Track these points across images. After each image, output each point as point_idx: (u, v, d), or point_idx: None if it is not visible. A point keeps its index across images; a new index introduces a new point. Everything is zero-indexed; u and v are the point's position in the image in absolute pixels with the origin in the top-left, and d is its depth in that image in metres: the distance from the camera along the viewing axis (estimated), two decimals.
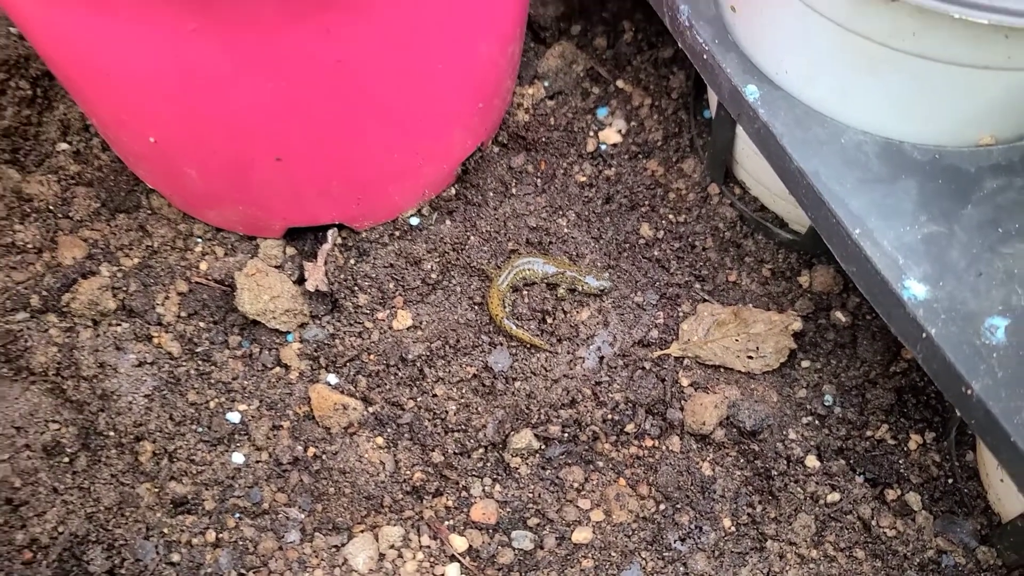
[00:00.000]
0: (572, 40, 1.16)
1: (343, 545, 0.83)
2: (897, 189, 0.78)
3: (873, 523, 0.84)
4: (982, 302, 0.72)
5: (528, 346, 0.93)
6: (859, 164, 0.79)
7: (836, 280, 0.97)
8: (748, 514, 0.85)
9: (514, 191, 1.04)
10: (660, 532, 0.84)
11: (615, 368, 0.93)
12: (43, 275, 0.94)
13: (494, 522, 0.85)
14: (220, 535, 0.84)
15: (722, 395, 0.91)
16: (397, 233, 1.00)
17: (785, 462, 0.87)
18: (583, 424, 0.89)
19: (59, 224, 0.97)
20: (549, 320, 0.96)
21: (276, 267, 0.96)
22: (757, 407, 0.89)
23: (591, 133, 1.09)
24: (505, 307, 0.94)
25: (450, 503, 0.86)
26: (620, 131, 1.10)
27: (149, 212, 0.99)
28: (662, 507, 0.86)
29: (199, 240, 0.98)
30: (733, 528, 0.85)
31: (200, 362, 0.92)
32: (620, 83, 1.13)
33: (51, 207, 0.98)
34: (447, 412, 0.90)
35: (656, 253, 1.00)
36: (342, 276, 0.96)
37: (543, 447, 0.89)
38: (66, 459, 0.86)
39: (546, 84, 1.11)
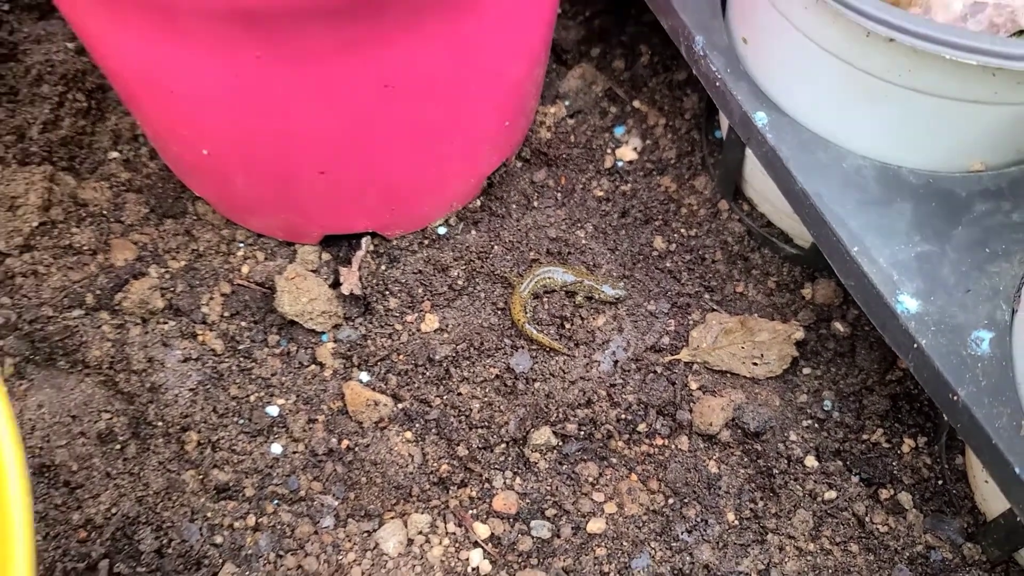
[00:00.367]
0: (592, 62, 1.22)
1: (374, 531, 0.88)
2: (893, 210, 0.83)
3: (867, 519, 0.89)
4: (969, 316, 0.77)
5: (547, 349, 0.98)
6: (858, 186, 0.84)
7: (837, 293, 1.02)
8: (750, 509, 0.90)
9: (536, 204, 1.09)
10: (668, 524, 0.89)
11: (628, 371, 0.97)
12: (97, 275, 1.00)
13: (515, 512, 0.89)
14: (259, 520, 0.89)
15: (728, 398, 0.95)
16: (426, 242, 1.05)
17: (786, 462, 0.92)
18: (598, 423, 0.94)
19: (111, 228, 1.03)
20: (567, 325, 1.00)
21: (313, 271, 1.01)
22: (761, 410, 0.94)
23: (608, 150, 1.15)
24: (526, 312, 0.99)
25: (474, 494, 0.91)
26: (636, 149, 1.15)
27: (195, 218, 1.05)
28: (671, 501, 0.90)
29: (241, 245, 1.04)
30: (736, 522, 0.89)
31: (241, 359, 0.97)
32: (637, 103, 1.19)
33: (104, 212, 1.04)
34: (471, 409, 0.95)
35: (668, 265, 1.06)
36: (374, 281, 1.02)
37: (561, 443, 0.93)
38: (118, 446, 0.91)
39: (567, 103, 1.17)
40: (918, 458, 0.93)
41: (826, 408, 0.96)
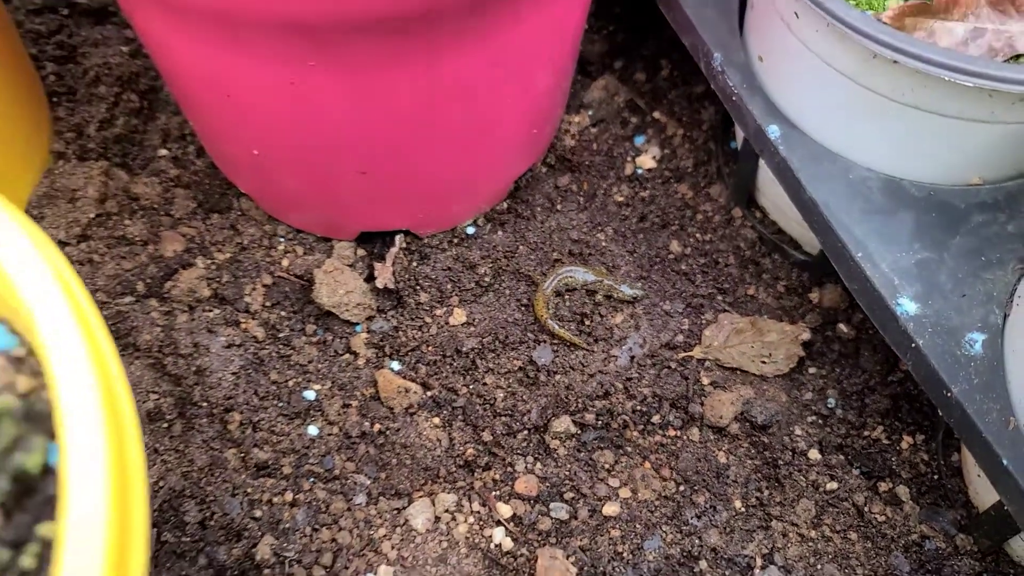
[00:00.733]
0: (615, 74, 1.27)
1: (404, 508, 0.93)
2: (895, 220, 0.87)
3: (866, 510, 0.93)
4: (964, 319, 0.82)
5: (568, 344, 1.03)
6: (864, 197, 0.89)
7: (843, 298, 1.07)
8: (756, 497, 0.94)
9: (559, 207, 1.15)
10: (679, 509, 0.93)
11: (644, 366, 1.02)
12: (147, 265, 1.05)
13: (535, 494, 0.94)
14: (296, 496, 0.93)
15: (738, 394, 1.00)
16: (455, 240, 1.11)
17: (791, 454, 0.97)
18: (615, 414, 0.99)
19: (161, 221, 1.09)
20: (587, 322, 1.06)
21: (349, 266, 1.07)
22: (768, 405, 0.99)
23: (629, 158, 1.20)
24: (549, 309, 1.04)
25: (497, 476, 0.96)
26: (655, 157, 1.21)
27: (239, 213, 1.11)
28: (682, 488, 0.95)
29: (282, 240, 1.10)
30: (743, 509, 0.94)
31: (281, 346, 1.03)
32: (656, 114, 1.24)
33: (155, 206, 1.10)
34: (496, 398, 1.00)
35: (684, 267, 1.11)
36: (406, 276, 1.07)
37: (579, 432, 0.98)
38: (165, 425, 0.96)
39: (590, 113, 1.22)
40: (916, 454, 0.98)
41: (830, 405, 1.01)
